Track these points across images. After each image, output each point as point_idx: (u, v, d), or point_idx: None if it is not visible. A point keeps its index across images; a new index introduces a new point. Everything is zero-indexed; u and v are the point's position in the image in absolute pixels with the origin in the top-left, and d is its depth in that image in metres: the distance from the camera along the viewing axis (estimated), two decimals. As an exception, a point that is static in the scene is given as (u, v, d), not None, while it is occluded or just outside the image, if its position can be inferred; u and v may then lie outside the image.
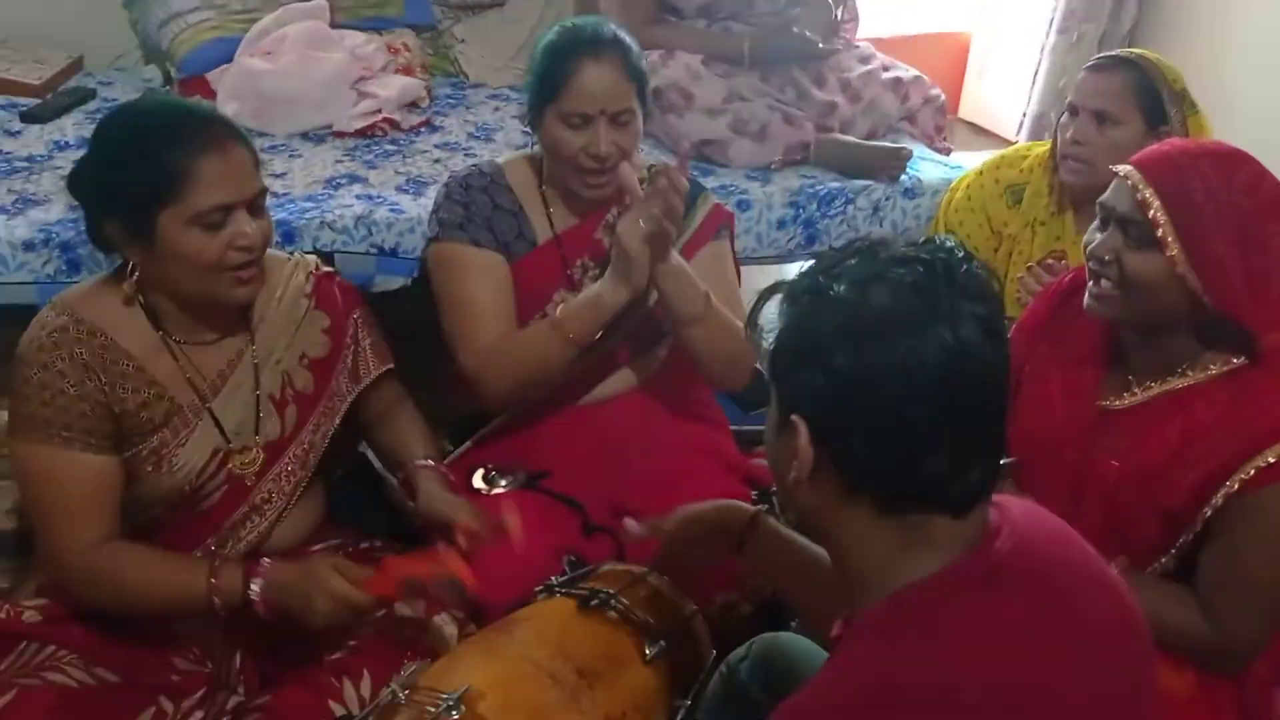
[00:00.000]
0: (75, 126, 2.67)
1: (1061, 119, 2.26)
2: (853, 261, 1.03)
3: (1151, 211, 1.47)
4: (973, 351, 0.98)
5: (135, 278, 1.55)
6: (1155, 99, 2.14)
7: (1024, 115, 4.01)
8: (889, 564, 1.04)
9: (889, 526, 1.04)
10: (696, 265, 1.93)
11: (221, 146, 1.49)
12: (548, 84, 1.86)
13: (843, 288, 1.01)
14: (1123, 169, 1.53)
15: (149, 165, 1.47)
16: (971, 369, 0.99)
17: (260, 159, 1.58)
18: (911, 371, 0.97)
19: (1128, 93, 2.14)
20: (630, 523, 1.57)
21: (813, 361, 1.01)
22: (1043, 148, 2.41)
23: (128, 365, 1.56)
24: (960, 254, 1.02)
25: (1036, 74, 3.95)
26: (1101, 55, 2.26)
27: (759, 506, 1.49)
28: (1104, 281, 1.54)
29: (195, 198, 1.47)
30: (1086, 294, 1.59)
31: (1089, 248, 1.57)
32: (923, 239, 1.05)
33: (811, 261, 1.09)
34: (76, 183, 1.56)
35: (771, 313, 1.08)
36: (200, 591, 1.51)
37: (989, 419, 1.03)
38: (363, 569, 1.55)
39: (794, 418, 1.03)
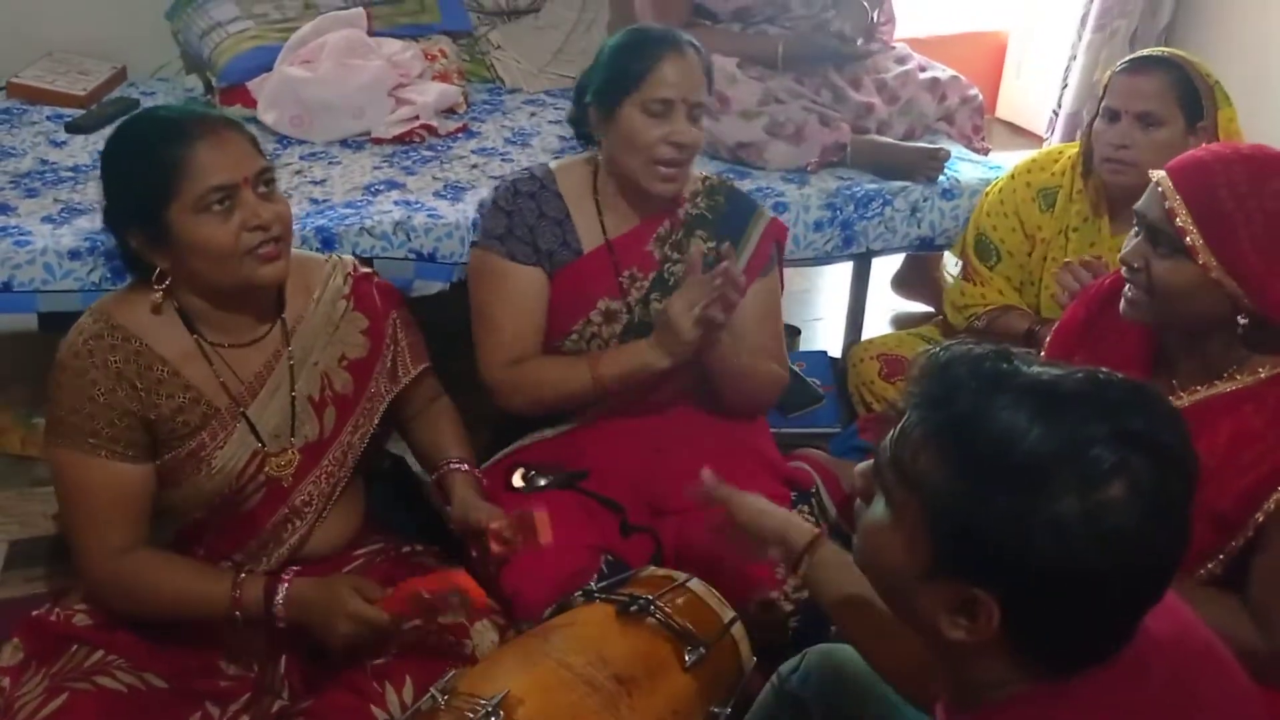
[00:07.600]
0: (119, 137, 2.70)
1: (1094, 123, 2.23)
2: (1091, 428, 0.89)
3: (1178, 220, 1.45)
4: (1182, 537, 0.92)
5: (165, 285, 1.57)
6: (1194, 95, 2.13)
7: (1055, 113, 3.95)
8: (1010, 682, 0.98)
9: (1026, 666, 0.96)
10: (748, 298, 1.93)
11: (214, 133, 1.51)
12: (629, 76, 1.89)
13: (1076, 476, 0.88)
14: (1156, 175, 1.51)
15: (146, 166, 1.50)
16: (1178, 551, 0.93)
17: (267, 150, 1.61)
18: (1139, 567, 0.90)
19: (1169, 92, 2.13)
20: (707, 473, 1.57)
21: (1024, 543, 0.88)
22: (1075, 149, 2.38)
23: (162, 370, 1.57)
24: (1186, 438, 0.93)
25: (1068, 71, 3.89)
26: (1133, 57, 2.23)
27: (819, 528, 1.48)
28: (1134, 288, 1.53)
29: (193, 184, 1.49)
30: (1122, 298, 1.57)
31: (1122, 253, 1.56)
32: (1141, 400, 0.94)
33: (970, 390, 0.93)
34: (105, 215, 1.59)
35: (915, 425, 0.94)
36: (222, 602, 1.55)
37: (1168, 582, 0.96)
38: (382, 589, 1.57)
39: (978, 593, 0.91)
